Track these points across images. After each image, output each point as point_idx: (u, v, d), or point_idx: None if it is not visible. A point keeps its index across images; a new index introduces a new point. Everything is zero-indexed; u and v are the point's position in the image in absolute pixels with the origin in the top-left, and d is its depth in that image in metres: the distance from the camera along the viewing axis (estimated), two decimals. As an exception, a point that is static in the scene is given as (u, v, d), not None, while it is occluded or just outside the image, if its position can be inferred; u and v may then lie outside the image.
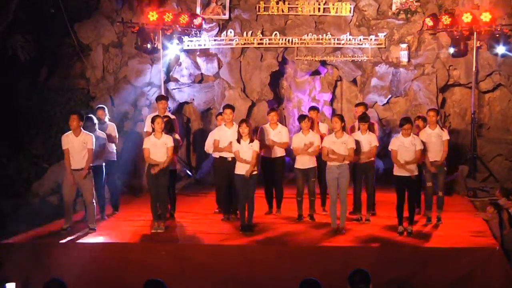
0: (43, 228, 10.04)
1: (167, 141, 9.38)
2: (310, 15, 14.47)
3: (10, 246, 9.09)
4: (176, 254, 8.76)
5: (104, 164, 10.27)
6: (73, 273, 8.44)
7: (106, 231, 9.68)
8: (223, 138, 9.94)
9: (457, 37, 13.53)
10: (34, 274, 8.47)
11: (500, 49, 13.41)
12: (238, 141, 9.26)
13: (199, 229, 9.75)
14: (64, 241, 9.22)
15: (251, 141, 9.25)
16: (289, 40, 14.40)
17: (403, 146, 9.17)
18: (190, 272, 8.44)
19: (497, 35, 13.32)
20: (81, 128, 9.44)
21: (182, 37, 14.32)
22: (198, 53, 14.69)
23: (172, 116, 10.44)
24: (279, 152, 10.42)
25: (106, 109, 10.82)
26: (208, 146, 10.47)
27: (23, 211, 12.04)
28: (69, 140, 9.41)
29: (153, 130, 9.42)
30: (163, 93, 13.69)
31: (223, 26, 14.70)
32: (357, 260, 7.88)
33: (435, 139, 9.73)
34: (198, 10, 14.52)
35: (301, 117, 10.11)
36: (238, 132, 9.28)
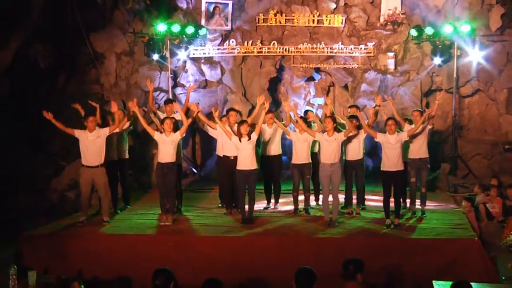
0: (61, 221, 10.03)
1: (174, 138, 9.38)
2: (305, 26, 14.47)
3: (31, 238, 9.10)
4: (183, 245, 8.76)
5: (117, 161, 10.27)
6: (89, 262, 8.45)
7: (119, 224, 9.69)
8: (226, 136, 9.91)
9: (440, 46, 13.55)
10: (53, 263, 8.45)
11: (478, 58, 13.46)
12: (239, 139, 9.27)
13: (204, 222, 9.75)
14: (80, 233, 9.22)
15: (249, 138, 9.25)
16: (286, 49, 14.40)
17: (389, 143, 9.17)
18: (195, 261, 8.43)
19: (476, 45, 13.35)
20: (95, 127, 9.47)
21: (188, 46, 14.35)
22: (202, 61, 14.69)
23: (178, 118, 10.41)
24: (276, 151, 10.41)
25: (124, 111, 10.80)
26: (218, 149, 10.45)
27: (42, 205, 12.03)
28: (82, 135, 9.43)
29: (163, 129, 9.43)
30: (170, 97, 13.70)
31: (225, 36, 14.70)
32: (348, 250, 7.85)
33: (420, 136, 9.75)
34: (203, 22, 14.53)
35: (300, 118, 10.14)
36: (238, 130, 9.27)
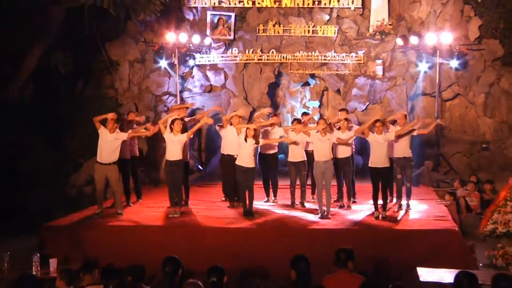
0: (79, 213, 10.01)
1: (181, 138, 9.38)
2: (301, 36, 14.48)
3: (52, 228, 9.09)
4: (190, 235, 8.74)
5: (129, 159, 10.25)
6: (104, 251, 8.42)
7: (131, 216, 9.65)
8: (230, 136, 9.90)
9: (423, 54, 13.56)
10: (72, 251, 8.43)
11: (459, 64, 13.48)
12: (245, 139, 9.25)
13: (209, 214, 9.71)
14: (96, 224, 9.21)
15: (257, 142, 9.24)
16: (283, 56, 14.40)
17: (377, 142, 9.15)
18: (201, 250, 8.39)
19: (456, 53, 13.35)
20: (116, 129, 9.44)
21: (195, 54, 14.34)
22: (208, 67, 14.70)
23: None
24: (273, 149, 10.39)
25: (135, 113, 10.78)
26: (222, 148, 10.44)
27: (62, 199, 12.02)
28: (104, 133, 9.38)
29: (171, 129, 9.42)
30: (178, 101, 13.70)
31: (228, 45, 14.70)
32: (340, 240, 7.80)
33: (404, 137, 9.71)
34: (208, 32, 14.54)
35: (294, 120, 10.13)
36: (246, 132, 9.25)
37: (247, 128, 9.28)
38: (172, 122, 9.42)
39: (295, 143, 9.79)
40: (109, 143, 9.36)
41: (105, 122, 9.44)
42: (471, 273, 5.00)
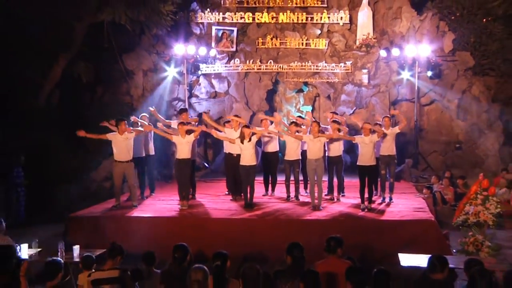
0: (99, 205, 10.01)
1: (189, 139, 9.38)
2: (296, 48, 14.49)
3: (76, 219, 9.10)
4: (197, 225, 8.73)
5: (144, 157, 10.25)
6: (121, 239, 8.37)
7: (145, 208, 9.66)
8: (230, 136, 9.89)
9: (404, 64, 13.57)
10: (93, 239, 8.40)
11: (435, 74, 13.50)
12: (242, 141, 9.22)
13: (214, 206, 9.70)
14: (114, 215, 9.21)
15: (250, 140, 9.23)
16: (280, 66, 14.41)
17: (364, 143, 9.14)
18: (207, 238, 8.39)
19: (432, 63, 13.36)
20: (125, 130, 9.43)
21: (201, 64, 14.35)
22: (213, 76, 14.71)
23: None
24: (273, 148, 10.38)
25: (147, 116, 10.74)
26: (225, 148, 10.42)
27: (84, 193, 12.02)
28: (114, 137, 9.39)
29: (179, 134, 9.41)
30: (187, 106, 13.72)
31: (231, 56, 14.71)
32: (330, 229, 7.78)
33: (389, 137, 9.73)
34: (213, 44, 14.55)
35: (291, 123, 10.13)
36: (242, 133, 9.22)
37: (242, 129, 9.26)
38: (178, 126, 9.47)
39: (288, 133, 9.71)
40: (122, 143, 9.37)
41: (110, 129, 9.54)
42: (442, 256, 5.03)
